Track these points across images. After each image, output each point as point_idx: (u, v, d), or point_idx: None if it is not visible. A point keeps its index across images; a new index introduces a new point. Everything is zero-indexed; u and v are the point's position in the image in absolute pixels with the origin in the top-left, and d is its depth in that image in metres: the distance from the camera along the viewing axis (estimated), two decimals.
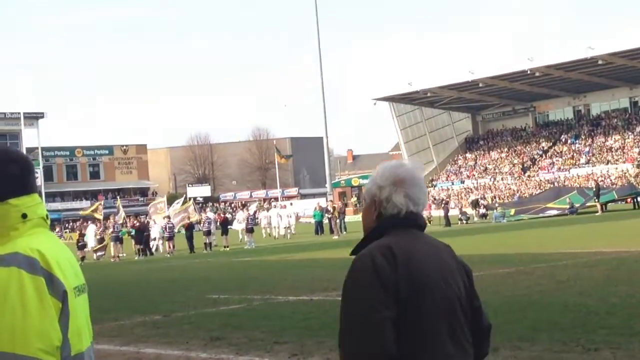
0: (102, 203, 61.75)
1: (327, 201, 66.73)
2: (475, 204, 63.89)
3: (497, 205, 63.42)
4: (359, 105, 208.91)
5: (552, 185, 75.38)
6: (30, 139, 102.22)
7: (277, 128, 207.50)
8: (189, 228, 46.06)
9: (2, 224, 2.89)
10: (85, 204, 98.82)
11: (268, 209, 61.29)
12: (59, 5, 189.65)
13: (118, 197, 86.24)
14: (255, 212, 53.96)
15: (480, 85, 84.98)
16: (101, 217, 53.42)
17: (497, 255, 24.68)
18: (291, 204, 61.14)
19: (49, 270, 2.80)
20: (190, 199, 64.67)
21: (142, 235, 44.52)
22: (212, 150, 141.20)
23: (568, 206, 54.77)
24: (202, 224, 46.38)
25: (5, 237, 2.87)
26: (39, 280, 2.76)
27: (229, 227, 47.03)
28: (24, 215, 2.90)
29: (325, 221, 53.91)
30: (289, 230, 53.69)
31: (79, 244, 43.84)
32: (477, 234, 40.18)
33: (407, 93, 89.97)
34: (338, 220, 51.64)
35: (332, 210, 52.94)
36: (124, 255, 44.29)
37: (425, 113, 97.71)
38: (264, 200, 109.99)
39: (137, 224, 47.53)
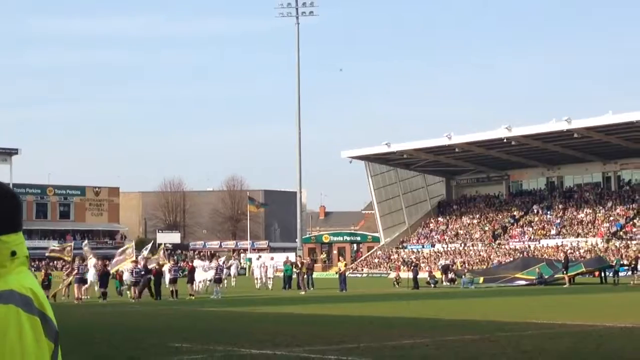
0: (72, 245, 60.84)
1: (296, 256, 66.67)
2: (445, 270, 63.83)
3: (465, 271, 63.44)
4: (334, 162, 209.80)
5: (521, 255, 75.59)
6: (2, 174, 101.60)
7: (251, 179, 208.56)
8: (157, 274, 45.63)
9: None
10: (52, 243, 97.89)
11: (229, 260, 61.85)
12: (35, 44, 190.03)
13: (87, 239, 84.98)
14: (223, 262, 53.76)
15: (457, 150, 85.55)
16: (70, 259, 52.55)
17: (463, 321, 24.61)
18: (272, 258, 61.35)
19: (42, 310, 2.65)
20: (160, 244, 64.13)
21: (107, 279, 44.15)
22: (185, 197, 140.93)
23: (537, 276, 54.89)
24: (170, 271, 46.07)
25: None
26: (36, 320, 2.60)
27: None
28: (13, 253, 2.73)
29: (294, 276, 53.82)
30: (269, 281, 55.11)
31: (44, 283, 43.25)
32: (445, 299, 40.09)
33: (384, 153, 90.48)
34: (305, 276, 51.75)
35: (300, 266, 52.93)
36: (88, 297, 43.87)
37: (401, 174, 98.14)
38: (234, 251, 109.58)
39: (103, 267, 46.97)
